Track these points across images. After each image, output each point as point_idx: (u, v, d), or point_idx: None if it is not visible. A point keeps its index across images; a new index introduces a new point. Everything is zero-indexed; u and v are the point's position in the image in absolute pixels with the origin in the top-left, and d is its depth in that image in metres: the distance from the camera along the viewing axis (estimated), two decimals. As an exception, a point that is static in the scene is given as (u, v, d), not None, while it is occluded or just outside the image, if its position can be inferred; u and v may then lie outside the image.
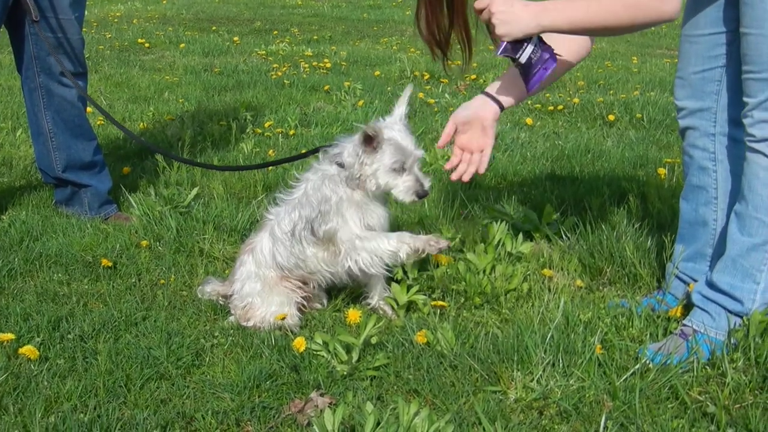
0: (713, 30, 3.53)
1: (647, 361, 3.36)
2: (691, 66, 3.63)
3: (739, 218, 3.43)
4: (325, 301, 4.04)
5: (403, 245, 3.73)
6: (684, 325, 3.58)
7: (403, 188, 3.67)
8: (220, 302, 3.98)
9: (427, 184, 3.69)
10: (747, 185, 3.40)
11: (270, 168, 5.93)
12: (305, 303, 3.91)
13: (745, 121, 3.38)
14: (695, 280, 3.75)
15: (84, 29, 4.94)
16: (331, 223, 3.71)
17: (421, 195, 3.68)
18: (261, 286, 3.82)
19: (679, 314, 3.72)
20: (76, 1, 4.86)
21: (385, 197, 3.85)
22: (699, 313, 3.55)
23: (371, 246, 3.73)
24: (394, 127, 3.69)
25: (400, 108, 3.75)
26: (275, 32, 14.07)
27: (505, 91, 3.66)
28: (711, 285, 3.53)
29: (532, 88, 3.49)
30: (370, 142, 3.60)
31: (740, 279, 3.44)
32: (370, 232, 3.76)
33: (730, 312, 3.46)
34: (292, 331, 3.71)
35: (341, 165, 3.71)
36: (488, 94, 3.68)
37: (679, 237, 3.90)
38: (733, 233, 3.46)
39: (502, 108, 3.67)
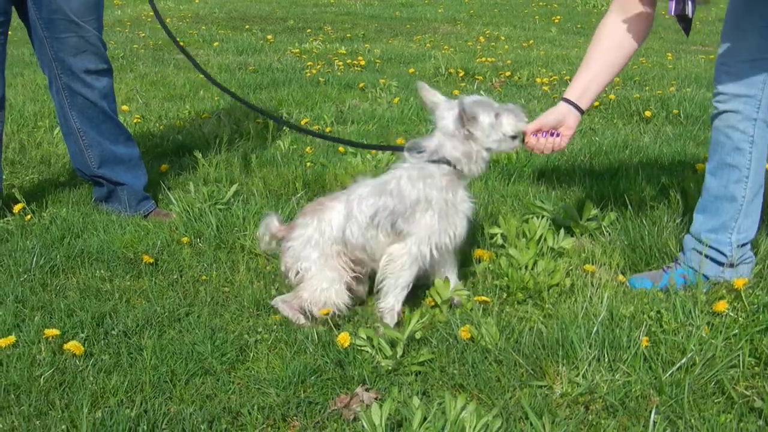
0: (761, 20, 3.62)
1: (630, 287, 3.97)
2: (741, 54, 3.75)
3: None
4: (366, 288, 4.01)
5: (395, 308, 3.78)
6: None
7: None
8: (266, 243, 4.06)
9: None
10: None
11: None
12: (353, 285, 3.89)
13: None
14: (718, 251, 3.96)
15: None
16: (416, 225, 3.70)
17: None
18: (318, 255, 3.79)
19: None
20: (86, 6, 4.82)
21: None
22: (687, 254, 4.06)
23: (400, 281, 3.77)
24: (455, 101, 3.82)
25: (436, 96, 3.89)
26: (308, 30, 14.09)
27: (583, 95, 3.92)
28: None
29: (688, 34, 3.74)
30: (463, 116, 3.70)
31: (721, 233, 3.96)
32: (411, 271, 3.78)
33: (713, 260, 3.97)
34: (340, 312, 3.77)
35: (448, 163, 3.74)
36: (570, 102, 3.91)
37: (700, 208, 4.07)
38: None
39: (583, 113, 3.94)
